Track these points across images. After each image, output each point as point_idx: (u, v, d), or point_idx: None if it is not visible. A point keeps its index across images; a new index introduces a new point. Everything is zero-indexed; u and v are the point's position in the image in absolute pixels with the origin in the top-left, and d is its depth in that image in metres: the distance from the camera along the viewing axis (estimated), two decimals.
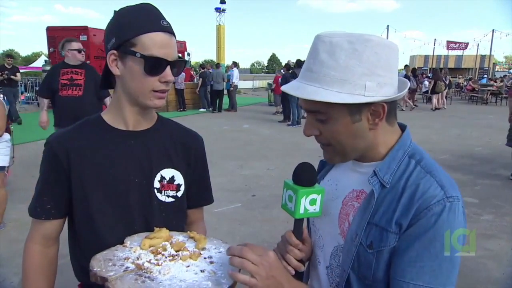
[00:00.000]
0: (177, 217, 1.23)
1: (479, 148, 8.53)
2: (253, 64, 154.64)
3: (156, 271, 0.93)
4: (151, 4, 1.11)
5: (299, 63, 11.50)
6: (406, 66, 17.16)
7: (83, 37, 15.00)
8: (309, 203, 0.93)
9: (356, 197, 0.97)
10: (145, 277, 0.90)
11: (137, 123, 1.18)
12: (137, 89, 1.09)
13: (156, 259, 0.98)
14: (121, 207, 1.14)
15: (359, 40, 0.84)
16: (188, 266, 0.97)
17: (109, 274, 0.89)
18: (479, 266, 3.43)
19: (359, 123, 0.89)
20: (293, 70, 11.63)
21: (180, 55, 1.16)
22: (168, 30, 1.07)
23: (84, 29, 15.39)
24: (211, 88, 14.51)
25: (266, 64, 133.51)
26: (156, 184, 1.18)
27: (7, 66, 11.02)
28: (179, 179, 1.23)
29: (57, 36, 14.07)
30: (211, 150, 7.39)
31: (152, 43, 1.04)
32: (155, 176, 1.18)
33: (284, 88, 0.93)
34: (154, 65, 1.05)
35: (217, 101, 14.67)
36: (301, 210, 0.92)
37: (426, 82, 17.61)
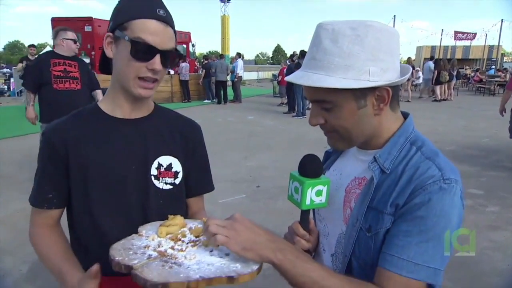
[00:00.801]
0: (174, 205, 1.22)
1: (485, 140, 8.47)
2: (257, 55, 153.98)
3: (181, 257, 0.91)
4: None
5: (303, 53, 11.45)
6: (409, 58, 16.93)
7: (88, 28, 15.02)
8: (315, 194, 0.93)
9: (358, 184, 0.98)
10: (171, 263, 0.88)
11: (132, 111, 1.18)
12: (123, 74, 1.08)
13: (178, 245, 0.96)
14: (121, 196, 1.15)
15: (361, 26, 0.84)
16: (212, 251, 0.94)
17: (133, 262, 0.88)
18: (484, 258, 3.43)
19: (364, 108, 0.90)
20: (297, 61, 11.58)
21: (177, 47, 1.14)
22: (163, 19, 1.05)
23: (89, 20, 15.40)
24: (215, 79, 14.47)
25: (271, 55, 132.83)
26: (153, 171, 1.18)
27: (30, 57, 10.41)
28: (177, 166, 1.22)
29: None
30: (215, 141, 7.44)
31: (142, 28, 1.03)
32: (152, 163, 1.18)
33: (289, 78, 0.93)
34: (140, 50, 1.04)
35: (221, 92, 14.63)
36: (307, 201, 0.93)
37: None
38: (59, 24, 14.45)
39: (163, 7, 1.08)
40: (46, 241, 1.16)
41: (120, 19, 1.05)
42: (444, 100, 15.89)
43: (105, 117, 1.16)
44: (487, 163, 6.64)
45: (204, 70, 14.91)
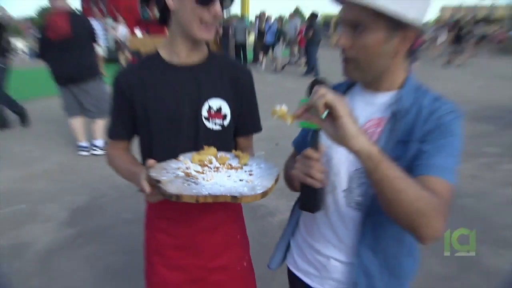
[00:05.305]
0: (222, 145, 1.32)
1: (504, 100, 8.26)
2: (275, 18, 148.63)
3: (201, 178, 1.10)
4: None
5: (313, 14, 11.91)
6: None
7: None
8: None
9: (377, 124, 1.06)
10: (190, 181, 1.07)
11: (188, 56, 1.32)
12: (187, 21, 1.23)
13: (203, 170, 1.15)
14: (176, 132, 1.31)
15: None
16: (229, 176, 1.13)
17: (163, 177, 1.07)
18: (496, 212, 3.55)
19: (389, 44, 0.97)
20: (309, 22, 11.95)
21: None
22: None
23: None
24: (234, 41, 14.23)
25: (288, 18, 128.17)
26: (204, 113, 1.31)
27: None
28: (226, 109, 1.34)
29: None
30: None
31: None
32: (203, 105, 1.31)
33: None
34: None
35: (241, 54, 14.39)
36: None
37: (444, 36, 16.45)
38: None
39: None
40: (119, 157, 1.41)
41: None
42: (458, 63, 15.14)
43: (164, 63, 1.32)
44: (506, 123, 6.57)
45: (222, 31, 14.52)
